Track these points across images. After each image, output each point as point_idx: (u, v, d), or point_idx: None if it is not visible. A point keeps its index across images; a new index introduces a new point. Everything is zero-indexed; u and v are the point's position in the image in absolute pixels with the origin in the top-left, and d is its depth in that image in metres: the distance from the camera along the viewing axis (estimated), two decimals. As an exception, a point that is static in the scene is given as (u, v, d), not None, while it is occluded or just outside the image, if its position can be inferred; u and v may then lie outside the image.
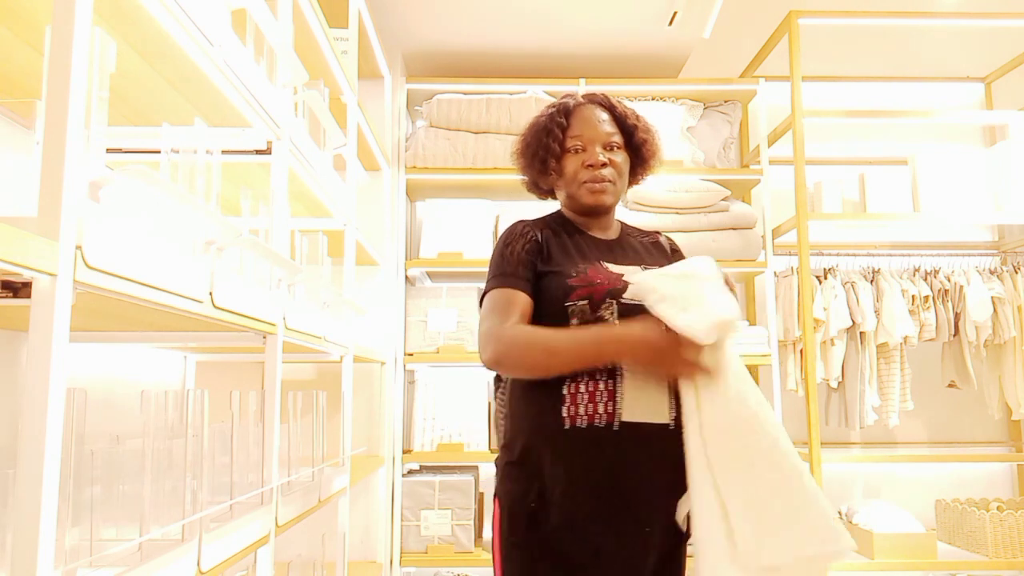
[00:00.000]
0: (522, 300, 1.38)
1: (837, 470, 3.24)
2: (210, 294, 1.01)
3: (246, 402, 1.26)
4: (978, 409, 3.27)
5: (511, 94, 3.03)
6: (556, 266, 1.41)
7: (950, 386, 3.14)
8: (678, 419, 1.29)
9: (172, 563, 0.90)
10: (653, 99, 3.16)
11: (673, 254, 1.56)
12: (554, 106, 1.52)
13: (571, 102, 1.52)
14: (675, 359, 1.26)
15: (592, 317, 1.34)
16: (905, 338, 2.95)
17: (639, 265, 1.44)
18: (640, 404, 1.29)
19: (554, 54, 3.14)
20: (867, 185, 3.01)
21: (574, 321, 1.35)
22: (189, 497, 1.00)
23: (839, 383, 3.02)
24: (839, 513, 2.99)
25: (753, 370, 3.28)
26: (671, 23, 2.73)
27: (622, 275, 1.38)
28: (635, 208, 3.03)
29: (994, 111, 3.43)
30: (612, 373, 1.30)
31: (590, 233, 1.51)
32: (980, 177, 2.99)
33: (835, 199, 3.05)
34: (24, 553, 0.64)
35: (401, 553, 2.73)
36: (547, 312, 1.38)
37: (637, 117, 1.53)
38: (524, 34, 2.99)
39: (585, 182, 1.45)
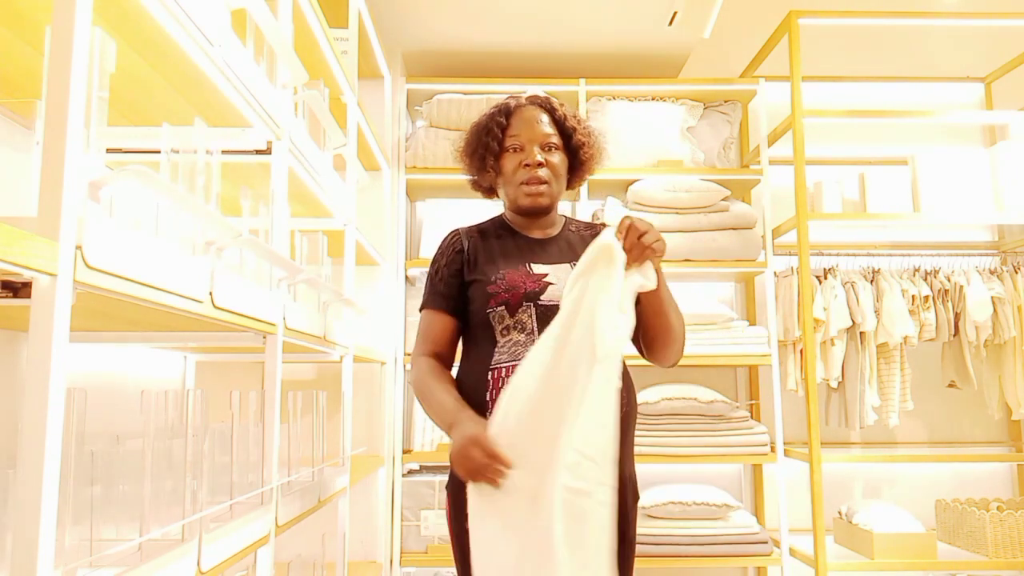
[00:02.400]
0: (439, 322, 1.51)
1: (837, 470, 3.24)
2: (210, 294, 1.01)
3: (246, 402, 1.26)
4: (978, 409, 3.27)
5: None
6: (480, 274, 1.49)
7: (950, 386, 3.14)
8: None
9: (172, 563, 0.90)
10: (653, 99, 3.16)
11: None
12: (496, 106, 1.57)
13: (512, 103, 1.56)
14: (473, 466, 1.26)
15: (512, 321, 1.43)
16: (905, 338, 2.95)
17: (575, 260, 1.42)
18: None
19: (554, 54, 3.14)
20: (867, 185, 3.01)
21: (497, 326, 1.44)
22: (189, 497, 1.00)
23: (839, 383, 3.02)
24: (839, 513, 2.99)
25: (753, 370, 3.29)
26: (671, 23, 2.73)
27: (546, 275, 1.45)
28: (635, 208, 3.03)
29: (994, 111, 3.42)
30: None
31: (526, 234, 1.57)
32: (980, 177, 2.99)
33: (835, 199, 3.05)
34: (24, 553, 0.64)
35: (401, 553, 2.73)
36: (475, 320, 1.48)
37: (577, 120, 1.57)
38: (524, 34, 2.99)
39: (522, 183, 1.50)
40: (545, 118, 1.53)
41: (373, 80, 2.83)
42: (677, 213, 3.02)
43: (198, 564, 0.98)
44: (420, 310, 1.55)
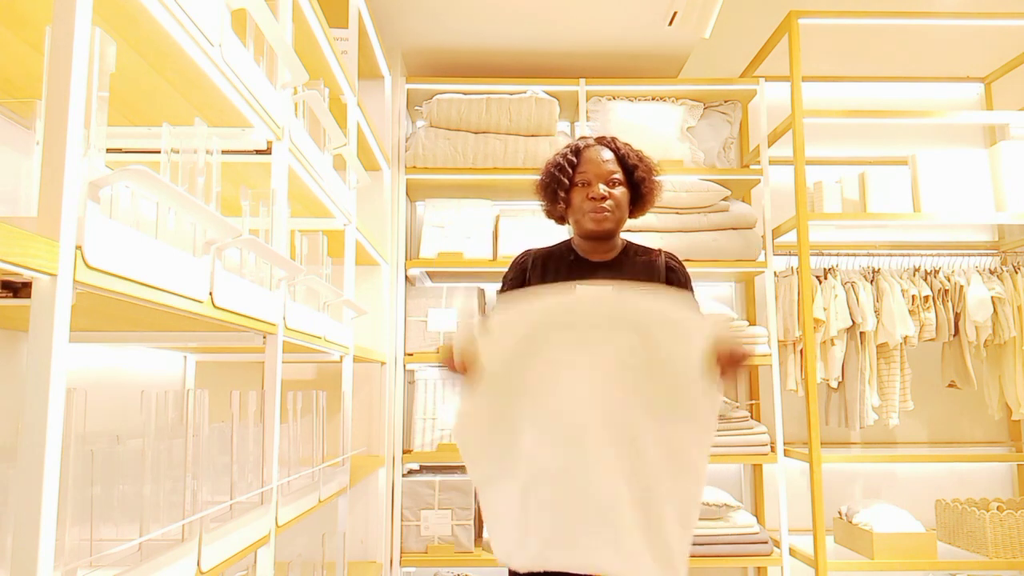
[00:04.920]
0: None
1: (837, 470, 3.24)
2: (210, 294, 1.01)
3: (246, 402, 1.26)
4: (978, 409, 3.27)
5: (511, 94, 3.03)
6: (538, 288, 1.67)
7: (950, 386, 3.14)
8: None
9: (172, 563, 0.90)
10: (653, 99, 3.16)
11: (669, 272, 1.75)
12: (568, 146, 1.80)
13: (581, 144, 1.78)
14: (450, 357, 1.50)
15: None
16: (905, 338, 2.95)
17: (624, 281, 1.66)
18: None
19: (554, 54, 3.14)
20: (867, 185, 3.01)
21: None
22: (189, 497, 1.00)
23: (839, 383, 3.02)
24: (839, 513, 2.99)
25: (753, 370, 3.29)
26: (671, 23, 2.73)
27: None
28: (635, 208, 3.03)
29: (994, 111, 3.42)
30: None
31: (585, 256, 1.77)
32: (980, 177, 2.99)
33: (835, 199, 3.05)
34: (24, 553, 0.64)
35: (401, 553, 2.73)
36: None
37: (640, 158, 1.77)
38: (524, 34, 2.99)
39: (588, 212, 1.71)
40: (609, 156, 1.74)
41: (373, 80, 2.83)
42: (677, 213, 3.02)
43: (198, 564, 0.98)
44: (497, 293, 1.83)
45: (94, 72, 0.76)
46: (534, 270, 1.76)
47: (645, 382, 1.39)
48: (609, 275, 1.72)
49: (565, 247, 1.82)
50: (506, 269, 1.85)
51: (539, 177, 1.83)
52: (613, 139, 1.78)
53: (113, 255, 0.76)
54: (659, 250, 1.80)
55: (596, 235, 1.73)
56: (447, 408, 2.89)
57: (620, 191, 1.73)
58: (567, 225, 1.84)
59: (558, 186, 1.75)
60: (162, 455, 0.98)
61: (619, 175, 1.73)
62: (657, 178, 1.79)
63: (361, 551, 2.58)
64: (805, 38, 3.02)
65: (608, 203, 1.70)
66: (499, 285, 1.87)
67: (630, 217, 1.79)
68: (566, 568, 1.36)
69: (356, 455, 2.46)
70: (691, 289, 1.77)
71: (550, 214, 1.84)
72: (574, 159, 1.76)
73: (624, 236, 1.84)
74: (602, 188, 1.70)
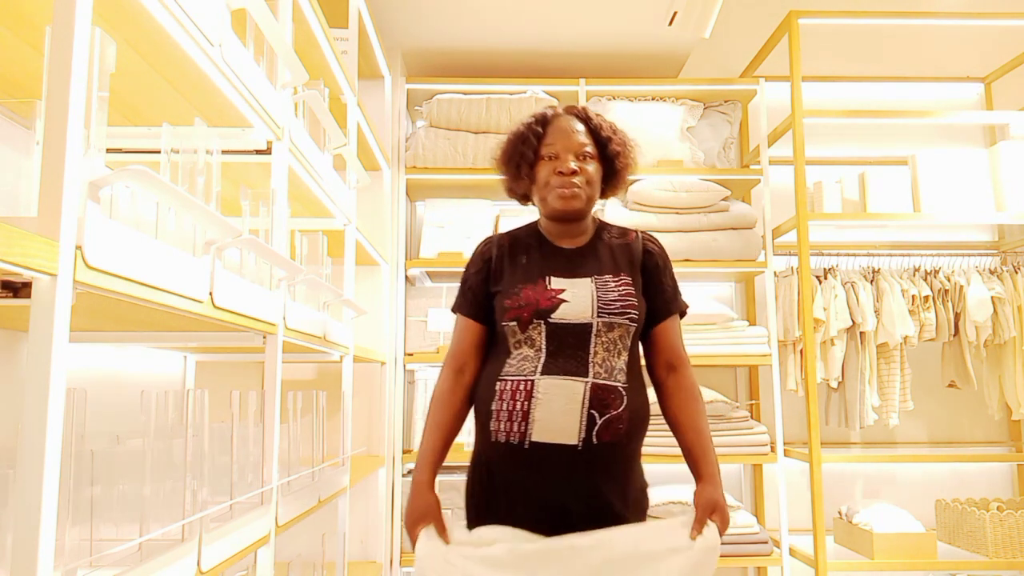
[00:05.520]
0: (466, 329, 1.58)
1: (837, 470, 3.24)
2: (210, 294, 1.01)
3: (246, 402, 1.26)
4: (978, 409, 3.27)
5: (511, 94, 3.03)
6: (501, 286, 1.54)
7: (950, 386, 3.14)
8: (587, 441, 1.39)
9: (172, 563, 0.90)
10: (653, 99, 3.16)
11: (646, 255, 1.57)
12: (533, 116, 1.60)
13: (548, 112, 1.59)
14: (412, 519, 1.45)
15: (523, 337, 1.47)
16: (905, 338, 2.95)
17: (598, 273, 1.51)
18: (549, 426, 1.40)
19: (554, 54, 3.14)
20: (867, 185, 3.01)
21: (510, 339, 1.49)
22: (189, 497, 1.00)
23: (839, 383, 3.02)
24: (839, 513, 2.99)
25: (753, 370, 3.29)
26: (671, 23, 2.73)
27: (562, 291, 1.48)
28: (635, 208, 3.03)
29: (994, 111, 3.42)
30: (528, 395, 1.42)
31: (556, 243, 1.58)
32: (980, 177, 2.99)
33: (835, 199, 3.05)
34: (24, 553, 0.64)
35: (401, 553, 2.72)
36: (497, 327, 1.54)
37: (613, 130, 1.59)
38: (524, 34, 2.99)
39: (556, 188, 1.51)
40: (580, 127, 1.55)
41: (373, 80, 2.83)
42: (677, 213, 3.01)
43: (198, 564, 0.98)
44: (452, 311, 1.62)
45: (94, 72, 0.76)
46: (499, 261, 1.57)
47: None
48: (582, 263, 1.54)
49: (532, 230, 1.63)
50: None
51: (499, 150, 1.64)
52: (584, 109, 1.60)
53: (113, 255, 0.76)
54: (635, 231, 1.63)
55: (564, 215, 1.54)
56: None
57: (592, 166, 1.54)
58: (531, 204, 1.65)
59: (521, 159, 1.56)
60: (162, 455, 0.98)
61: (591, 148, 1.54)
62: (633, 153, 1.61)
63: (361, 551, 2.58)
64: (805, 38, 3.01)
65: (578, 179, 1.51)
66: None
67: (602, 197, 1.61)
68: None
69: (356, 455, 2.45)
70: (670, 273, 1.60)
71: (512, 191, 1.65)
72: (540, 129, 1.56)
73: (597, 215, 1.67)
74: (572, 162, 1.51)
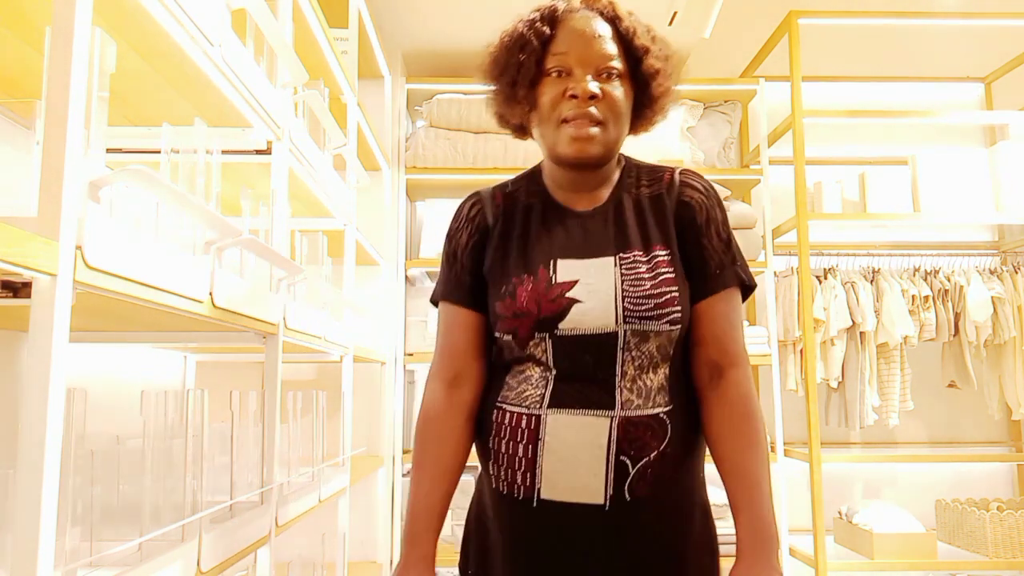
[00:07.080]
0: (459, 324, 1.15)
1: (837, 470, 3.24)
2: (210, 294, 1.01)
3: (246, 402, 1.26)
4: (978, 409, 3.26)
5: (511, 94, 3.03)
6: (491, 275, 1.12)
7: (950, 386, 3.14)
8: (617, 498, 1.00)
9: (172, 563, 0.90)
10: (653, 99, 3.15)
11: (681, 207, 1.10)
12: (539, 9, 1.10)
13: (561, 5, 1.10)
14: None
15: (523, 355, 1.07)
16: (905, 338, 2.95)
17: (623, 249, 1.06)
18: (565, 479, 1.01)
19: (554, 54, 3.14)
20: (867, 185, 3.01)
21: (507, 354, 1.10)
22: (189, 497, 1.00)
23: (839, 383, 3.02)
24: (839, 513, 2.99)
25: (754, 370, 3.28)
26: (671, 23, 2.73)
27: (573, 284, 1.04)
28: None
29: (994, 111, 3.42)
30: (533, 437, 1.02)
31: (564, 204, 1.13)
32: (980, 177, 2.99)
33: (835, 199, 3.05)
34: (24, 553, 0.64)
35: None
36: (493, 335, 1.13)
37: (652, 37, 1.10)
38: (524, 34, 2.98)
39: (565, 120, 1.05)
40: (606, 30, 1.07)
41: (373, 80, 2.83)
42: (677, 213, 3.01)
43: (198, 564, 0.98)
44: (432, 302, 1.19)
45: (94, 72, 0.76)
46: (494, 232, 1.13)
47: None
48: (602, 234, 1.08)
49: (532, 182, 1.17)
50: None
51: (488, 59, 1.14)
52: (612, 4, 1.10)
53: (113, 255, 0.76)
54: (671, 169, 1.14)
55: (576, 162, 1.08)
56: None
57: (619, 89, 1.06)
58: (529, 139, 1.18)
59: (518, 72, 1.07)
60: (162, 455, 0.98)
61: (618, 63, 1.06)
62: (677, 72, 1.13)
63: (361, 551, 2.58)
64: (805, 38, 3.01)
65: (599, 108, 1.04)
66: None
67: (631, 133, 1.14)
68: None
69: (356, 455, 2.45)
70: (718, 230, 1.10)
71: (503, 121, 1.17)
72: (546, 30, 1.07)
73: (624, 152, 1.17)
74: (590, 83, 1.04)
